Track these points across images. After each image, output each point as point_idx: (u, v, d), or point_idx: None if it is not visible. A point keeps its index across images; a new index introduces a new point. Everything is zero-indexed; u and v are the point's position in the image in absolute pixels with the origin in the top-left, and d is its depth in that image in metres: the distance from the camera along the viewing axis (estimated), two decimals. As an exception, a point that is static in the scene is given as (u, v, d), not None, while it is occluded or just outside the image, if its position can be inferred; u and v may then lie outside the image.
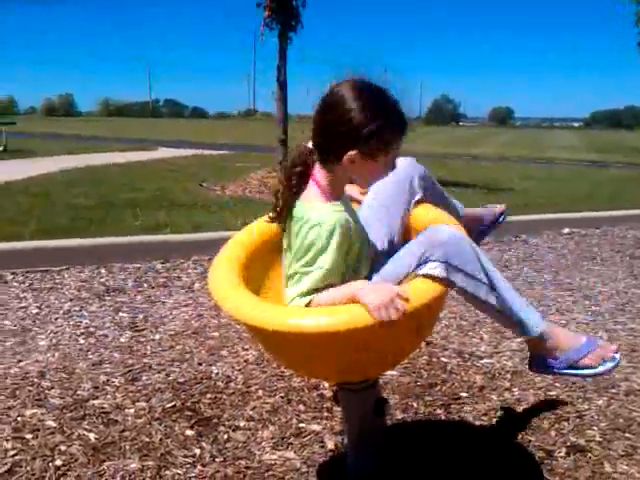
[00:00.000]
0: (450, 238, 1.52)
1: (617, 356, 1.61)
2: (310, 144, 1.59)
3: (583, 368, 1.61)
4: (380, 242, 1.77)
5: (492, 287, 1.56)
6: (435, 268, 1.49)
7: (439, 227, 1.58)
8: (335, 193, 1.58)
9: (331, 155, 1.53)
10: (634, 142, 32.19)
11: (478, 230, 2.07)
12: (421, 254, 1.51)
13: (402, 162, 1.76)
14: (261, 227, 1.84)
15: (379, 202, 1.82)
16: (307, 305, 1.49)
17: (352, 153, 1.49)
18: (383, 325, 1.37)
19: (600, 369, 1.61)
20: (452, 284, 1.51)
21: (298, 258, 1.51)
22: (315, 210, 1.52)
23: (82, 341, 2.92)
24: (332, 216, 1.50)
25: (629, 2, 11.85)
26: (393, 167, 1.60)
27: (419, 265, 1.52)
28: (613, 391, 2.51)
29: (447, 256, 1.49)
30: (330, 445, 2.08)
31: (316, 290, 1.49)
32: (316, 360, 1.58)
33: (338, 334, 1.40)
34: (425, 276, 1.50)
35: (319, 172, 1.57)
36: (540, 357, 1.65)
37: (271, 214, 1.62)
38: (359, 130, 1.47)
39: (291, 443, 2.09)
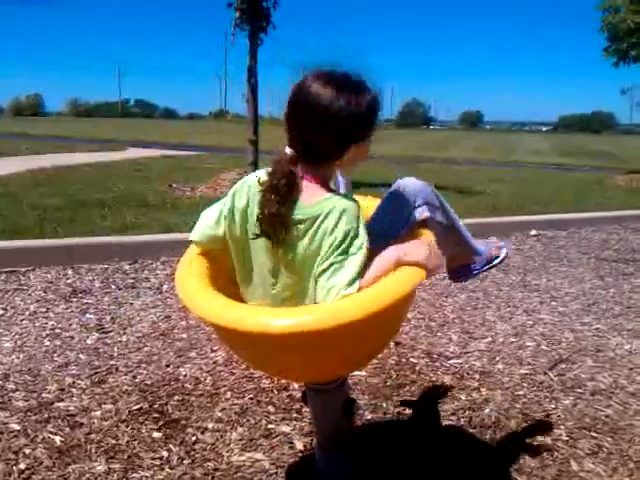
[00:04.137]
0: (421, 184, 1.73)
1: (502, 243, 2.00)
2: (288, 150, 1.51)
3: (493, 259, 1.96)
4: None
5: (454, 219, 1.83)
6: (423, 212, 1.70)
7: (405, 181, 1.73)
8: (328, 184, 1.54)
9: (330, 156, 1.49)
10: (600, 146, 32.77)
11: (468, 268, 2.01)
12: (411, 204, 1.69)
13: None
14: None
15: None
16: (358, 291, 1.41)
17: (352, 148, 1.48)
18: (431, 274, 1.48)
19: (501, 255, 1.97)
20: (436, 222, 1.73)
21: (332, 250, 1.42)
22: (333, 200, 1.45)
23: (47, 343, 2.87)
24: (350, 200, 1.46)
25: (595, 9, 12.07)
26: None
27: (411, 215, 1.70)
28: (579, 391, 2.55)
29: (426, 199, 1.71)
30: (299, 446, 2.07)
31: (359, 274, 1.42)
32: (298, 358, 1.53)
33: (342, 326, 1.35)
34: (419, 224, 1.70)
35: (310, 171, 1.50)
36: (462, 267, 2.00)
37: (258, 230, 1.51)
38: (355, 130, 1.46)
39: (260, 444, 2.08)
